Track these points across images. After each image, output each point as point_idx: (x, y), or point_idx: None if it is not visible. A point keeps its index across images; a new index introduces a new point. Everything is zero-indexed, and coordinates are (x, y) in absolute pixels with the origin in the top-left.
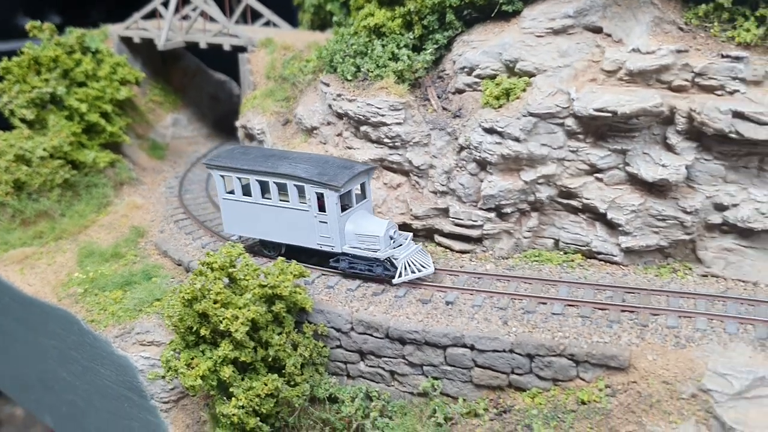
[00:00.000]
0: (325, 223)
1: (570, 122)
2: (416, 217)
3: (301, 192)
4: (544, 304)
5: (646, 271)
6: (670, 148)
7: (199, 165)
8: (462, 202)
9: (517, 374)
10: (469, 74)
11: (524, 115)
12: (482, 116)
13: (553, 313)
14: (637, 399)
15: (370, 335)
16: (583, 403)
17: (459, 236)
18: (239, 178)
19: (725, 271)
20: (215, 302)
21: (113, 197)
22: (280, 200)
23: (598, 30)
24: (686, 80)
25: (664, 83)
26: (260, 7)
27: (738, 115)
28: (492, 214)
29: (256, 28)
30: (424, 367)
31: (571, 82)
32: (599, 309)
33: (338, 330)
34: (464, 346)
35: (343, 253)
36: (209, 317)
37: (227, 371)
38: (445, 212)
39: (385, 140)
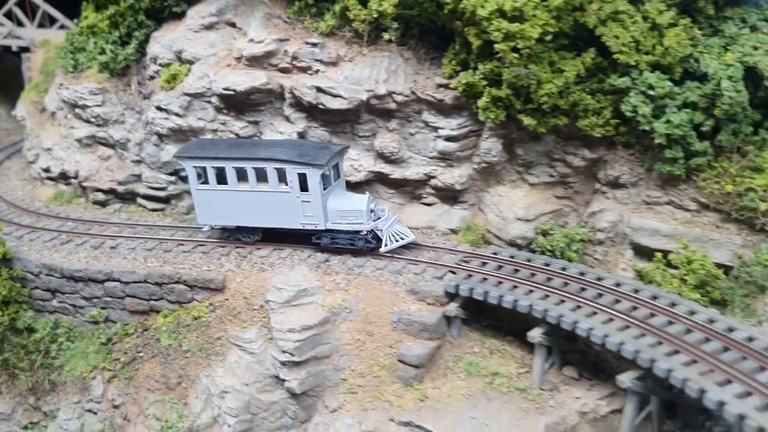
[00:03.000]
0: (308, 202)
1: (215, 100)
2: (120, 183)
3: (281, 175)
4: (182, 245)
5: None
6: (287, 118)
7: (3, 150)
8: (151, 168)
9: (154, 300)
10: (155, 63)
11: (182, 95)
12: (156, 97)
13: (184, 251)
14: (227, 312)
15: (53, 276)
16: (195, 318)
17: (152, 197)
18: (214, 168)
19: None
20: None
21: None
22: (259, 185)
23: (233, 25)
24: (288, 63)
25: (274, 66)
26: (55, 12)
27: (319, 90)
28: (173, 177)
29: (54, 31)
30: (94, 300)
31: (215, 67)
32: (220, 246)
33: (32, 273)
34: (114, 279)
35: (327, 230)
36: None
37: None
38: (139, 178)
39: (92, 120)
